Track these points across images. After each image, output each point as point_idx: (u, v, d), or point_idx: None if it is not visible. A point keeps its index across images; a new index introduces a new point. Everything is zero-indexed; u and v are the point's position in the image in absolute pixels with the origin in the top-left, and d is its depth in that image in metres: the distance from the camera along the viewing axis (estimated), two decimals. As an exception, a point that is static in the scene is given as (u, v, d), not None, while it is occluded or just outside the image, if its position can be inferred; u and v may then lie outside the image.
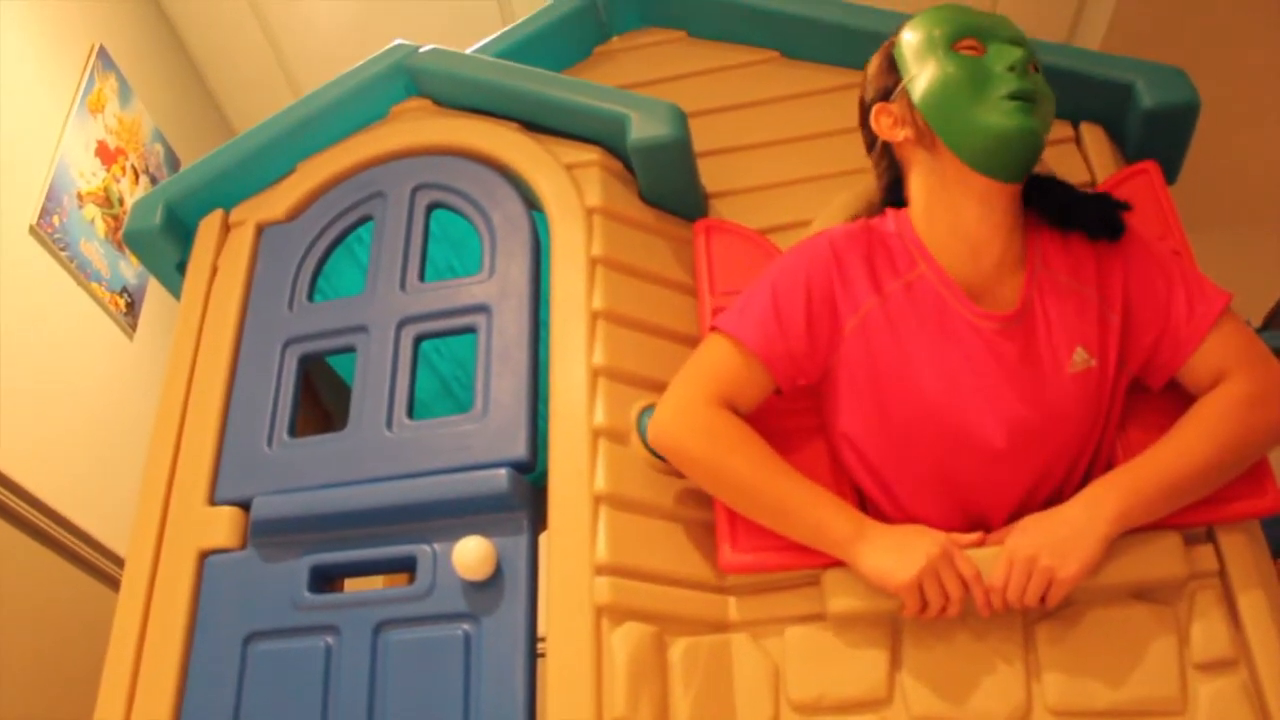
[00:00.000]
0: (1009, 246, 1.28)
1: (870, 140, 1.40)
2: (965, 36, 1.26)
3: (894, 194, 1.38)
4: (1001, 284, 1.28)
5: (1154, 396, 1.28)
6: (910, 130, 1.31)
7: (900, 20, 1.37)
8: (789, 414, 1.36)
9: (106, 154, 3.06)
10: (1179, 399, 1.25)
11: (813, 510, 1.23)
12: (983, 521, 1.25)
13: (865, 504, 1.31)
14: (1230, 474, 1.19)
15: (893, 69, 1.32)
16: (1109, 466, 1.25)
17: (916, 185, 1.33)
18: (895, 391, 1.25)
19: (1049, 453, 1.23)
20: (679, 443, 1.29)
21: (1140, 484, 1.17)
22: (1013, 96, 1.21)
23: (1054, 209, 1.31)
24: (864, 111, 1.39)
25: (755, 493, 1.25)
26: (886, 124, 1.34)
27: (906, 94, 1.29)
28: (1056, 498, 1.23)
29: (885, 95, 1.34)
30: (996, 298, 1.27)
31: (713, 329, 1.35)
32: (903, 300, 1.28)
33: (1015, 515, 1.23)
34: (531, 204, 1.56)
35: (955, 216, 1.28)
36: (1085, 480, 1.23)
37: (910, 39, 1.30)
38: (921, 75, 1.27)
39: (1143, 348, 1.26)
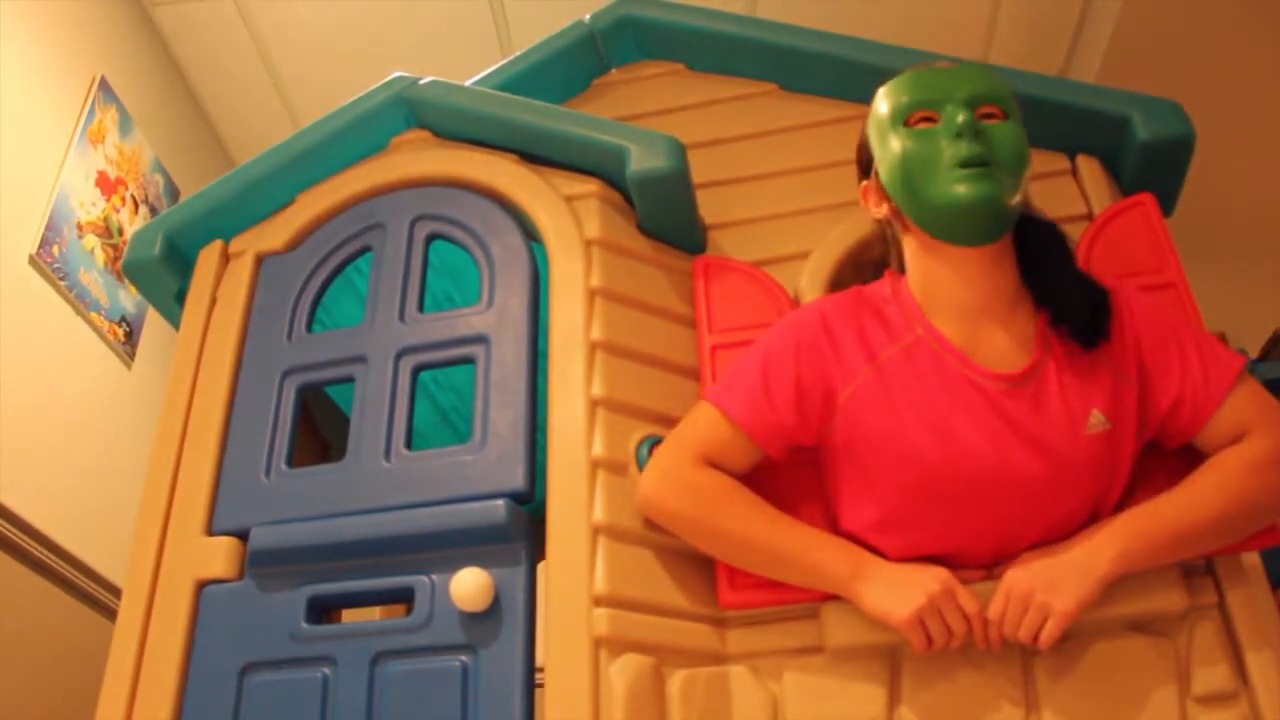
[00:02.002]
0: (1008, 304, 1.28)
1: None
2: (917, 109, 1.27)
3: (902, 261, 1.37)
4: (1008, 342, 1.26)
5: (1164, 457, 1.26)
6: (887, 206, 1.33)
7: (898, 55, 1.37)
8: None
9: (106, 184, 3.07)
10: (1190, 459, 1.23)
11: (809, 554, 1.22)
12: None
13: None
14: (1240, 532, 1.18)
15: (867, 146, 1.35)
16: None
17: (907, 254, 1.34)
18: (889, 456, 1.22)
19: (1059, 513, 1.20)
20: (665, 505, 1.28)
21: (1146, 529, 1.16)
22: (962, 164, 1.21)
23: (1041, 296, 1.29)
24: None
25: (749, 544, 1.25)
26: (872, 201, 1.36)
27: (878, 174, 1.32)
28: None
29: (867, 172, 1.37)
30: (1002, 356, 1.25)
31: (702, 398, 1.35)
32: (900, 365, 1.26)
33: None
34: (531, 235, 1.56)
35: (942, 284, 1.28)
36: None
37: (874, 117, 1.32)
38: (883, 157, 1.29)
39: (1159, 413, 1.24)
